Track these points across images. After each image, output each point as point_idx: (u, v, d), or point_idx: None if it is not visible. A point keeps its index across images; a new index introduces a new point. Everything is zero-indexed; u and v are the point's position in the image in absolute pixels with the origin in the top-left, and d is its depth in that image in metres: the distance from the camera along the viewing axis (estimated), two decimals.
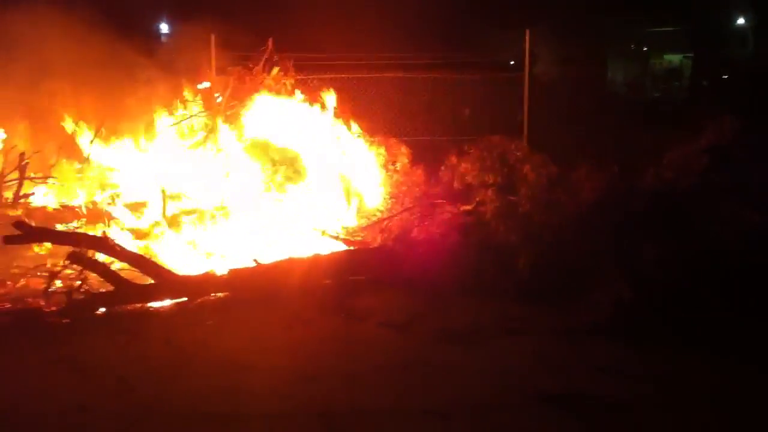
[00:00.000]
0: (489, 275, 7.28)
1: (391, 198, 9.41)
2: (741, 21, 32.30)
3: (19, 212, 9.02)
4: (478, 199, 8.39)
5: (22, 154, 9.97)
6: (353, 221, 9.11)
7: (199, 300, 7.10)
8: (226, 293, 7.24)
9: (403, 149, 9.81)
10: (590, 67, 13.92)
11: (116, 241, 7.35)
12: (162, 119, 9.63)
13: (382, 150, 9.85)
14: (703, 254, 6.73)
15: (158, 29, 18.79)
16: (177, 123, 9.71)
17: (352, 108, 9.89)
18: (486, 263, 7.38)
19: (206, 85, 10.46)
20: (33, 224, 7.52)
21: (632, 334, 6.12)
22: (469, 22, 13.00)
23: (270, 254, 7.81)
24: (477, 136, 9.43)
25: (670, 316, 6.27)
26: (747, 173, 8.45)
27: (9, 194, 9.83)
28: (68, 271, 7.21)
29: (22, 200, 9.78)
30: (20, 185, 9.91)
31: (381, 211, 9.28)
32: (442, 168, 9.15)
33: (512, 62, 13.29)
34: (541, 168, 8.58)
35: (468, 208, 8.37)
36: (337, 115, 9.85)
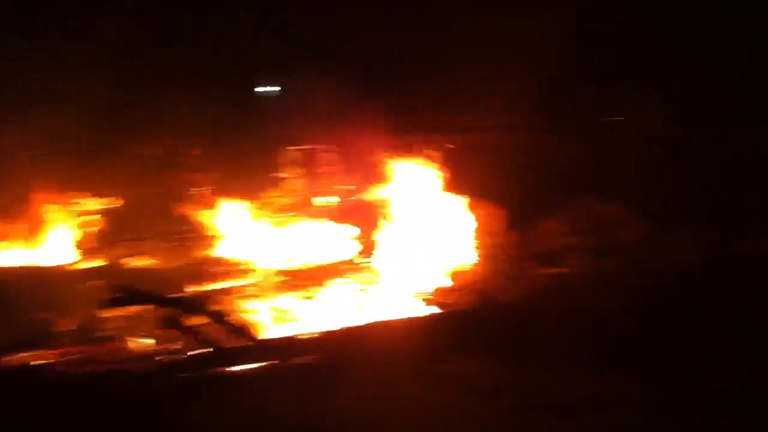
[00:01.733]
0: (578, 344, 7.07)
1: (483, 259, 9.32)
2: None
3: None
4: (570, 262, 8.25)
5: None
6: (446, 282, 9.06)
7: (287, 363, 7.20)
8: (314, 356, 7.32)
9: (499, 212, 9.72)
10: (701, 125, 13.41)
11: (209, 306, 7.59)
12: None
13: (479, 212, 9.79)
14: None
15: None
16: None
17: (458, 169, 9.92)
18: (575, 331, 7.18)
19: None
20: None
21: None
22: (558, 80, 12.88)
23: (362, 316, 7.90)
24: (571, 195, 9.29)
25: None
26: None
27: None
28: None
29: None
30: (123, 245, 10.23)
31: (473, 272, 9.19)
32: (535, 230, 9.05)
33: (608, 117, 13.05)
34: (637, 232, 8.38)
35: (560, 270, 8.22)
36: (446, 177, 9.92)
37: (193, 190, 9.98)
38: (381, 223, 9.60)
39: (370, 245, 9.39)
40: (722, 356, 6.23)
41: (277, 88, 13.25)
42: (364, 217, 9.72)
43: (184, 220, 9.76)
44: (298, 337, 7.39)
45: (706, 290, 7.36)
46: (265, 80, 13.14)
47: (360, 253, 9.37)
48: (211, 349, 7.13)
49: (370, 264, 9.20)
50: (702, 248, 8.19)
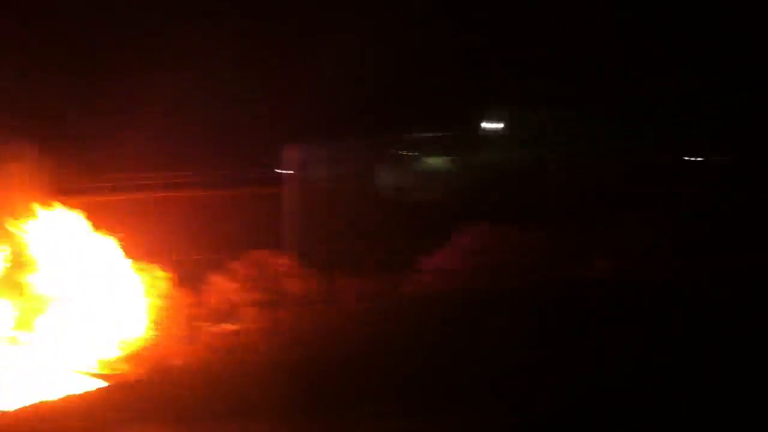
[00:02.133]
0: (256, 396, 7.01)
1: (153, 323, 8.90)
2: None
3: None
4: (243, 317, 8.23)
5: None
6: (111, 352, 8.47)
7: None
8: None
9: (166, 273, 9.39)
10: (358, 179, 14.38)
11: None
12: None
13: (145, 273, 9.38)
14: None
15: None
16: None
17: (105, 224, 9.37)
18: (253, 384, 7.12)
19: None
20: None
21: None
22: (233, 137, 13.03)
23: (17, 398, 7.07)
24: (243, 252, 9.31)
25: None
26: None
27: None
28: None
29: None
30: None
31: (143, 338, 8.73)
32: (207, 288, 8.89)
33: (281, 172, 13.42)
34: (306, 282, 8.64)
35: (233, 327, 8.14)
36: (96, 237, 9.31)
37: None
38: (36, 293, 8.74)
39: (26, 318, 8.48)
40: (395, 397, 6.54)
41: None
42: (16, 286, 8.78)
43: None
44: None
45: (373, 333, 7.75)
46: None
47: (13, 327, 8.42)
48: None
49: (26, 339, 8.29)
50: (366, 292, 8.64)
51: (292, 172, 12.58)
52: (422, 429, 6.22)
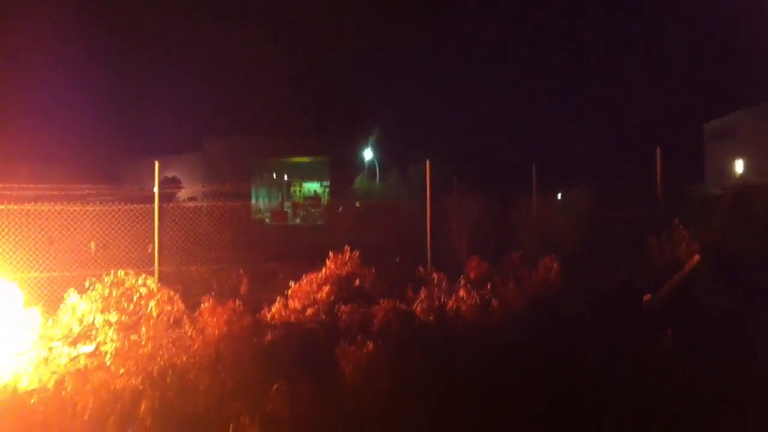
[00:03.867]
0: (109, 426, 6.74)
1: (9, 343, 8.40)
2: (368, 156, 36.18)
3: None
4: (99, 339, 7.90)
5: None
6: None
7: None
8: None
9: (16, 287, 8.90)
10: (235, 198, 14.22)
11: None
12: None
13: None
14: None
15: None
16: None
17: None
18: (106, 410, 6.85)
19: None
20: None
21: None
22: (103, 152, 12.56)
23: None
24: (104, 270, 8.97)
25: None
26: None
27: None
28: None
29: None
30: None
31: None
32: (62, 307, 8.49)
33: (145, 190, 13.06)
34: (168, 304, 8.42)
35: (88, 350, 7.80)
36: None
37: None
38: None
39: None
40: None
41: None
42: None
43: None
44: None
45: (233, 358, 7.62)
46: None
47: None
48: None
49: None
50: (226, 318, 8.51)
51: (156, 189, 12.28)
52: None
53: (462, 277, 10.14)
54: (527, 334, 8.40)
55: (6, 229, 10.02)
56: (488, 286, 9.66)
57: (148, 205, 11.05)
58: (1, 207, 10.12)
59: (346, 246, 10.48)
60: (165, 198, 12.06)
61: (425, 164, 12.21)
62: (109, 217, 11.18)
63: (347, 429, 6.59)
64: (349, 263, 10.26)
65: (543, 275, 10.29)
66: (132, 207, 11.31)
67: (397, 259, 12.33)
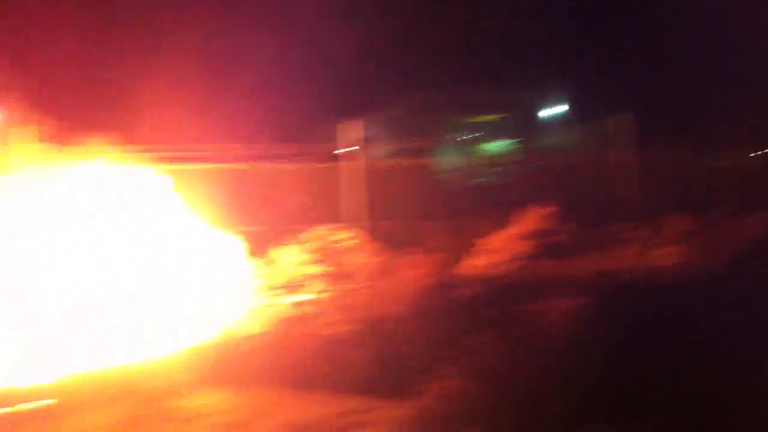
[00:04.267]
0: (326, 368, 7.21)
1: (227, 292, 9.17)
2: (556, 111, 34.97)
3: None
4: (313, 289, 8.43)
5: None
6: (188, 319, 8.75)
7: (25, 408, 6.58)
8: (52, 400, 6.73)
9: (239, 241, 9.64)
10: (419, 157, 14.52)
11: None
12: None
13: (221, 242, 9.62)
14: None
15: None
16: None
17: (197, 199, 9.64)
18: (323, 355, 7.33)
19: None
20: None
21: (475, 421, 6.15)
22: (298, 113, 13.25)
23: (100, 359, 7.40)
24: (306, 226, 9.50)
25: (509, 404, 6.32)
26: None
27: None
28: None
29: None
30: None
31: (215, 305, 8.99)
32: (277, 259, 9.12)
33: (345, 149, 13.60)
34: (375, 257, 8.80)
35: (303, 299, 8.34)
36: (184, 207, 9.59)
37: None
38: (112, 256, 9.05)
39: (103, 282, 8.79)
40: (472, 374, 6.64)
41: None
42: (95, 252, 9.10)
43: None
44: (31, 384, 6.73)
45: (435, 310, 7.85)
46: None
47: (91, 291, 8.73)
48: None
49: (103, 302, 8.61)
50: (429, 270, 8.75)
51: (357, 148, 12.72)
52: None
53: (667, 233, 9.78)
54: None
55: (226, 188, 10.81)
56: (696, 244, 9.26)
57: (350, 163, 11.51)
58: (223, 166, 10.96)
59: (542, 202, 10.41)
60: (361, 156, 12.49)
61: (627, 118, 11.79)
62: (317, 174, 11.78)
63: (554, 382, 6.59)
64: (545, 219, 10.18)
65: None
66: (337, 165, 11.85)
67: (595, 217, 12.05)
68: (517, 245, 9.94)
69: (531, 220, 10.39)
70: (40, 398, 6.75)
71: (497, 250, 9.91)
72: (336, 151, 13.76)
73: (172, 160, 11.20)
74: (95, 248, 8.56)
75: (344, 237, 9.30)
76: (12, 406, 6.59)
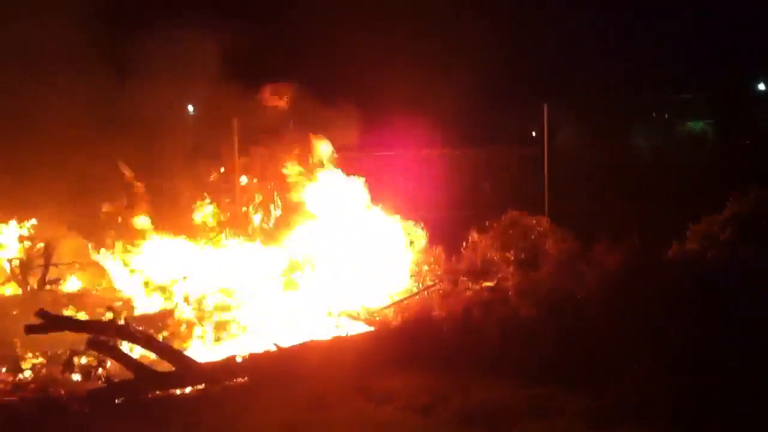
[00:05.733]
0: (512, 353, 7.13)
1: (412, 276, 9.32)
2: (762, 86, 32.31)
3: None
4: (500, 275, 8.33)
5: (48, 242, 10.15)
6: (375, 301, 9.01)
7: (219, 386, 7.03)
8: (246, 378, 7.15)
9: (422, 227, 9.76)
10: (612, 139, 13.94)
11: (136, 328, 7.34)
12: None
13: (404, 228, 9.81)
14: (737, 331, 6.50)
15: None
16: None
17: (372, 186, 9.92)
18: (509, 341, 7.25)
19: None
20: (54, 313, 7.53)
21: (667, 416, 5.86)
22: (489, 98, 13.14)
23: (290, 338, 7.78)
24: (498, 211, 9.40)
25: (706, 397, 5.95)
26: None
27: (33, 281, 10.00)
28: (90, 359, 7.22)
29: (48, 287, 9.93)
30: (45, 271, 10.08)
31: (403, 290, 9.18)
32: (464, 245, 9.12)
33: (533, 134, 13.36)
34: (563, 243, 8.54)
35: (490, 284, 8.27)
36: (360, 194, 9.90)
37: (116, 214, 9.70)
38: (307, 241, 9.50)
39: (297, 263, 9.26)
40: (655, 361, 6.33)
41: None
42: (291, 235, 9.62)
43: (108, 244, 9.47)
44: (230, 359, 7.19)
45: (631, 296, 7.49)
46: None
47: (288, 271, 9.22)
48: (140, 374, 6.87)
49: (300, 282, 9.07)
50: (624, 257, 8.35)
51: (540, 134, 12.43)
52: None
53: None
54: None
55: (417, 174, 10.97)
56: None
57: (532, 148, 11.28)
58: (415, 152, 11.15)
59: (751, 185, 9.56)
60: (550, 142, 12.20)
61: None
62: (498, 160, 11.67)
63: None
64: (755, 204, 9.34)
65: None
66: (519, 151, 11.67)
67: None
68: (725, 229, 9.21)
69: (744, 202, 9.58)
70: (236, 375, 7.16)
71: (702, 235, 9.24)
72: (531, 134, 13.54)
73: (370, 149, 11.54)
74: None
75: (536, 221, 9.13)
76: (209, 381, 7.05)
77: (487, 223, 9.06)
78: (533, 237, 8.72)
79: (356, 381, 7.00)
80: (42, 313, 7.04)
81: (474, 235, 9.05)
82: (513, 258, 8.51)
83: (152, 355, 7.27)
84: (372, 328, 8.19)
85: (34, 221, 10.26)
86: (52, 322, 7.09)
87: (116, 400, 6.74)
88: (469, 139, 12.25)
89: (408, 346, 7.52)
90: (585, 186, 12.59)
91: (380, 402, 6.65)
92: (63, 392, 6.76)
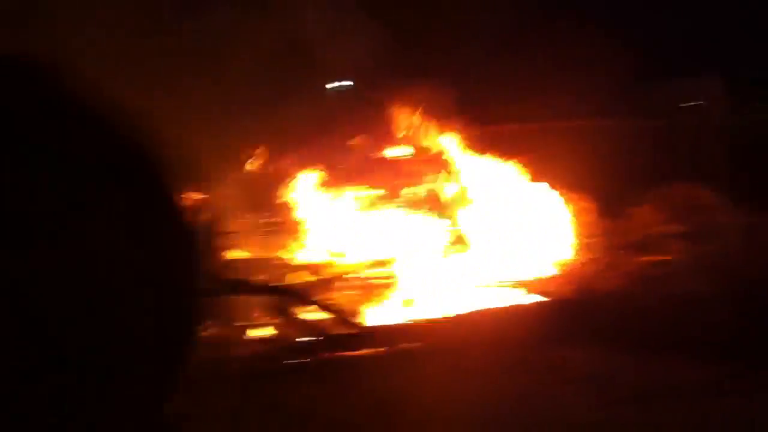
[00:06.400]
0: (687, 330, 7.02)
1: (579, 248, 9.28)
2: None
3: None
4: (667, 249, 8.20)
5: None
6: (545, 271, 9.05)
7: (393, 349, 7.32)
8: (419, 343, 7.41)
9: (588, 202, 9.66)
10: None
11: (314, 293, 7.75)
12: None
13: (569, 200, 9.74)
14: None
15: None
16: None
17: (533, 158, 9.91)
18: (683, 317, 7.14)
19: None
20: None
21: None
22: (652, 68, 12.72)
23: (462, 305, 7.97)
24: (665, 184, 9.20)
25: None
26: None
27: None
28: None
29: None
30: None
31: (570, 262, 9.15)
32: (630, 218, 9.01)
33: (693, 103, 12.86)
34: (735, 216, 8.30)
35: (658, 258, 8.16)
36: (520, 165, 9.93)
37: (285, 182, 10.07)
38: (473, 213, 9.66)
39: (464, 235, 9.45)
40: None
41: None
42: (455, 207, 9.80)
43: (280, 210, 9.88)
44: (404, 324, 7.48)
45: None
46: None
47: (456, 242, 9.43)
48: (320, 337, 7.26)
49: (467, 253, 9.26)
50: None
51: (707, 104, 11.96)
52: None
53: None
54: None
55: (567, 146, 10.81)
56: None
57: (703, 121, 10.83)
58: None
59: None
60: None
61: None
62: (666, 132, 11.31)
63: None
64: None
65: None
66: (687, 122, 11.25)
67: None
68: None
69: None
70: (408, 340, 7.41)
71: None
72: (679, 106, 13.05)
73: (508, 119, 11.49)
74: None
75: (700, 194, 8.89)
76: (382, 346, 7.35)
77: (654, 197, 8.90)
78: (701, 210, 8.50)
79: (526, 352, 7.08)
80: (230, 278, 7.52)
81: (639, 208, 8.91)
82: (682, 232, 8.34)
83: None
84: (543, 299, 8.23)
85: None
86: (240, 286, 7.58)
87: (298, 360, 7.15)
88: (642, 108, 11.91)
89: (575, 320, 7.55)
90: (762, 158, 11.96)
91: (548, 374, 6.71)
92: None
